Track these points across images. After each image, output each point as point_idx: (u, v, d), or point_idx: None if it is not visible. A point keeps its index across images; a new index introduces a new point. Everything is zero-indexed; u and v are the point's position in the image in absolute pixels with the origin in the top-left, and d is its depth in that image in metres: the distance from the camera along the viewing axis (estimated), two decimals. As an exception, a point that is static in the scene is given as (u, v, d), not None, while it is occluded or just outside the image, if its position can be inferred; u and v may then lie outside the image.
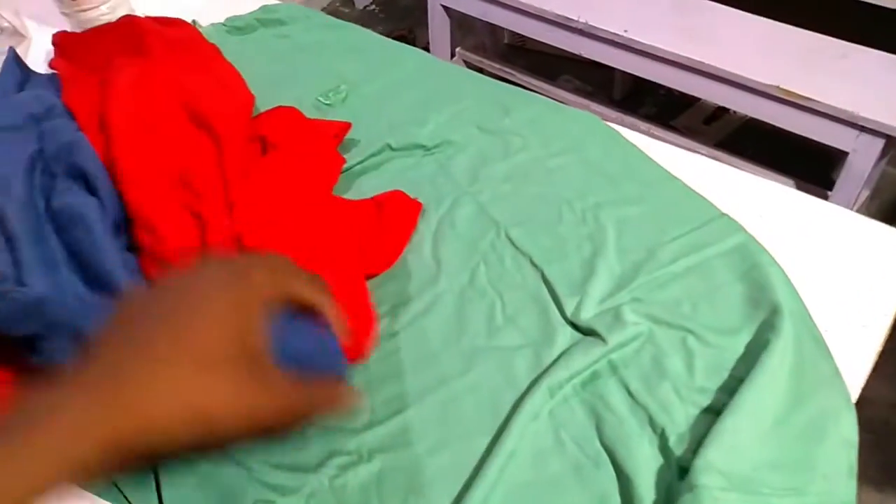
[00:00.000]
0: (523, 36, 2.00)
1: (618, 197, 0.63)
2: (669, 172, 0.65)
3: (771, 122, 1.42)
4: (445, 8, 1.83)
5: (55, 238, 0.58)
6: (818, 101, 1.31)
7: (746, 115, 1.94)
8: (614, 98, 2.00)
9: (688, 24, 1.52)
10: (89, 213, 0.57)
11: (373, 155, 0.70)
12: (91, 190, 0.59)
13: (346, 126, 0.70)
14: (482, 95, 0.76)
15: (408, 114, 0.75)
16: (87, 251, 0.55)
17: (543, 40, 1.67)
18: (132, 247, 0.58)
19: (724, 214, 0.60)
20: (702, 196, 0.62)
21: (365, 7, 2.46)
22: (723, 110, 2.01)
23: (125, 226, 0.59)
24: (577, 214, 0.62)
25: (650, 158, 0.66)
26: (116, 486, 0.48)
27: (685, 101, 1.99)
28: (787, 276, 0.54)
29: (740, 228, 0.58)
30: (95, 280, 0.55)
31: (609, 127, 0.71)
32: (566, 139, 0.70)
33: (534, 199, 0.64)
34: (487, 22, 1.80)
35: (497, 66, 1.91)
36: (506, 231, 0.62)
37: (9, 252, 0.56)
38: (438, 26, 1.91)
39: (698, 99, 2.03)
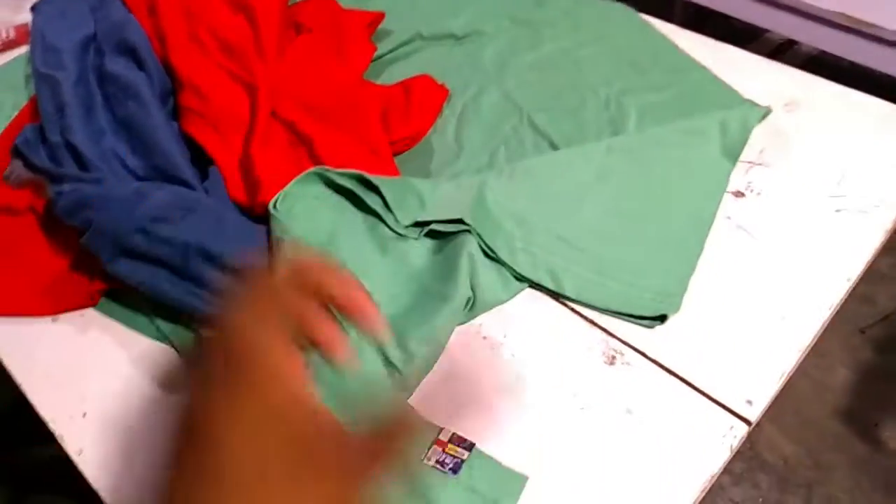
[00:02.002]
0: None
1: (644, 84, 0.63)
2: (697, 62, 0.64)
3: (834, 53, 1.36)
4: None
5: (104, 109, 0.63)
6: (884, 28, 1.25)
7: (813, 51, 1.85)
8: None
9: (751, -54, 1.45)
10: (141, 86, 0.61)
11: (404, 44, 0.71)
12: (139, 64, 0.63)
13: (380, 16, 0.72)
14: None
15: (442, 6, 0.76)
16: (140, 121, 0.59)
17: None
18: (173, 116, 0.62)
19: (747, 100, 0.59)
20: (728, 84, 0.61)
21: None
22: (787, 45, 1.92)
23: (167, 97, 0.63)
24: (601, 100, 0.63)
25: (680, 49, 0.66)
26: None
27: (747, 33, 1.92)
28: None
29: (760, 108, 0.58)
30: (143, 146, 0.59)
31: (642, 19, 0.70)
32: (598, 29, 0.69)
33: (560, 87, 0.65)
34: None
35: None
36: (529, 116, 0.63)
37: (60, 119, 0.61)
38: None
39: (762, 33, 1.95)
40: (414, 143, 0.62)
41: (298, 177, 0.50)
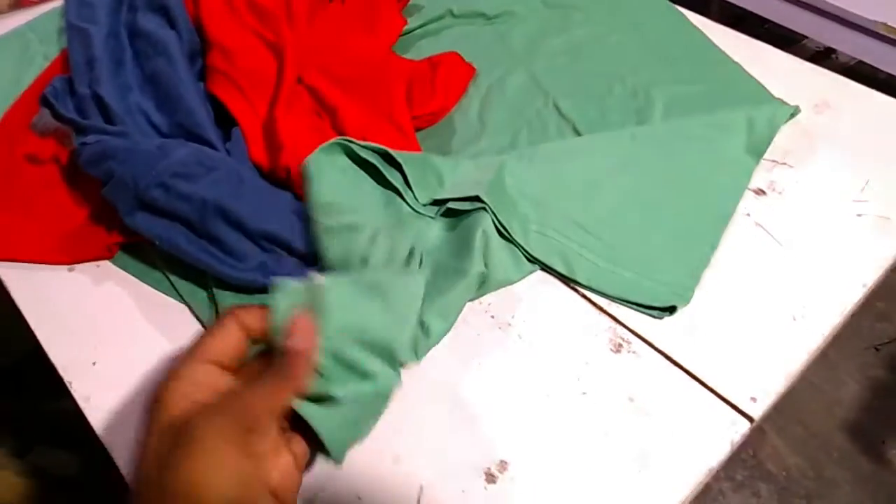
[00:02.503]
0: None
1: (672, 76, 0.62)
2: (729, 57, 0.63)
3: (872, 64, 1.33)
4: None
5: (133, 65, 0.63)
6: (926, 41, 1.22)
7: (850, 61, 1.82)
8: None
9: (794, -50, 1.43)
10: (170, 44, 0.61)
11: (434, 20, 0.71)
12: (170, 22, 0.64)
13: (412, -9, 0.72)
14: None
15: (474, -17, 0.75)
16: (167, 79, 0.60)
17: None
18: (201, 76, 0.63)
19: (776, 98, 0.58)
20: (758, 81, 0.61)
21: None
22: (825, 54, 1.89)
23: (196, 57, 0.63)
24: (629, 90, 0.62)
25: (712, 42, 0.65)
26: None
27: (784, 39, 1.89)
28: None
29: (789, 107, 0.57)
30: (168, 104, 0.59)
31: (676, 9, 0.69)
32: (629, 18, 0.69)
33: (587, 73, 0.64)
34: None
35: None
36: (554, 100, 0.62)
37: (89, 71, 0.61)
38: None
39: (799, 40, 1.91)
40: (437, 120, 0.62)
41: (323, 145, 0.50)
